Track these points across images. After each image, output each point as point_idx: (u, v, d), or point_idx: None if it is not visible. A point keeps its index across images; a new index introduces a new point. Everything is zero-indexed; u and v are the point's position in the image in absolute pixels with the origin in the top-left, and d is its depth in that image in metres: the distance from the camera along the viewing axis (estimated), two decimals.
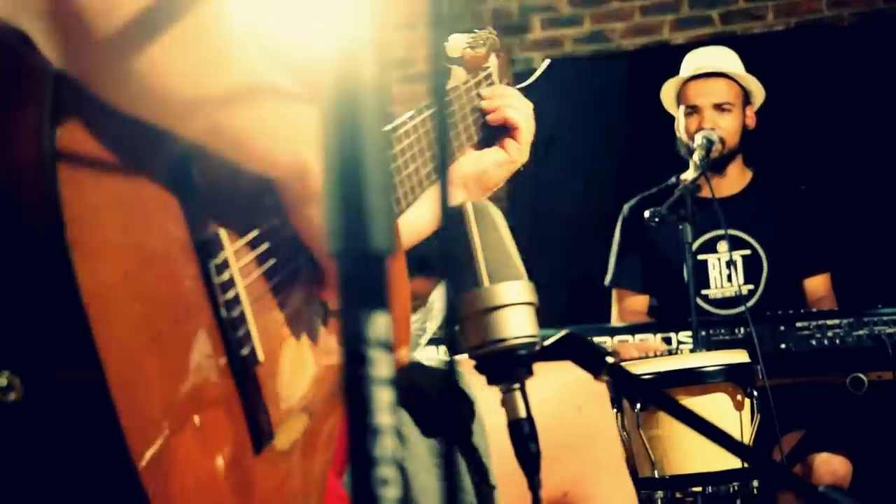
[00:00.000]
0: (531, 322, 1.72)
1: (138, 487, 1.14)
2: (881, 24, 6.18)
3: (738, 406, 3.22)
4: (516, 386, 1.69)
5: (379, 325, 0.99)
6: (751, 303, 4.45)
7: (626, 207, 4.82)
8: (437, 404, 1.78)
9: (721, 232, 4.47)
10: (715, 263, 4.62)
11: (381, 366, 0.99)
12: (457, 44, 2.15)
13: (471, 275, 1.72)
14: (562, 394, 1.82)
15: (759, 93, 4.69)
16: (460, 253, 1.74)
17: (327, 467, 1.58)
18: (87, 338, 1.11)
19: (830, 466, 4.07)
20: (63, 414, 1.14)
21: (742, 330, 4.04)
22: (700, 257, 4.55)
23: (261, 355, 1.37)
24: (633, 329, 4.23)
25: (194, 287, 1.30)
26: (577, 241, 5.98)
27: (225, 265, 1.34)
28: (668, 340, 4.09)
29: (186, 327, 1.27)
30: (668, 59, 5.13)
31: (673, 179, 4.72)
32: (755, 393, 3.24)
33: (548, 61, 2.39)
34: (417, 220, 2.03)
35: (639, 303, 4.71)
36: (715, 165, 4.47)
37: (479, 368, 1.72)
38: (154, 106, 1.25)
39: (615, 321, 4.69)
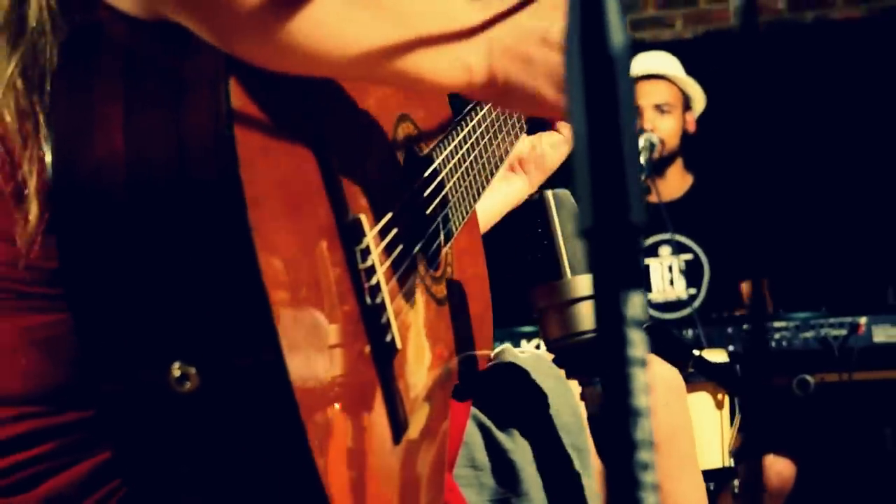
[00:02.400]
0: None
1: (314, 476, 1.09)
2: (788, 32, 6.28)
3: (719, 405, 3.22)
4: (598, 378, 1.65)
5: (636, 304, 0.94)
6: (694, 306, 4.47)
7: None
8: (518, 399, 1.74)
9: (665, 236, 4.50)
10: (657, 268, 4.64)
11: (639, 347, 0.95)
12: None
13: (551, 266, 1.67)
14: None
15: (699, 97, 4.74)
16: (539, 243, 1.70)
17: (445, 457, 1.54)
18: (269, 324, 1.06)
19: (775, 468, 4.10)
20: (241, 402, 1.09)
21: (690, 332, 4.04)
22: None
23: (399, 343, 1.33)
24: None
25: (341, 273, 1.25)
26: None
27: (367, 251, 1.30)
28: None
29: (340, 313, 1.22)
30: None
31: None
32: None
33: None
34: (490, 209, 1.99)
35: None
36: (655, 168, 4.50)
37: (559, 361, 1.68)
38: (334, 61, 1.20)
39: None
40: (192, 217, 1.07)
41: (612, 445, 0.95)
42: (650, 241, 4.61)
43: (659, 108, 4.63)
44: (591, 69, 0.93)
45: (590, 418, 1.65)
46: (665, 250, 4.61)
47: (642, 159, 4.34)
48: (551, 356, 1.70)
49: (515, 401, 1.74)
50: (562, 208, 1.71)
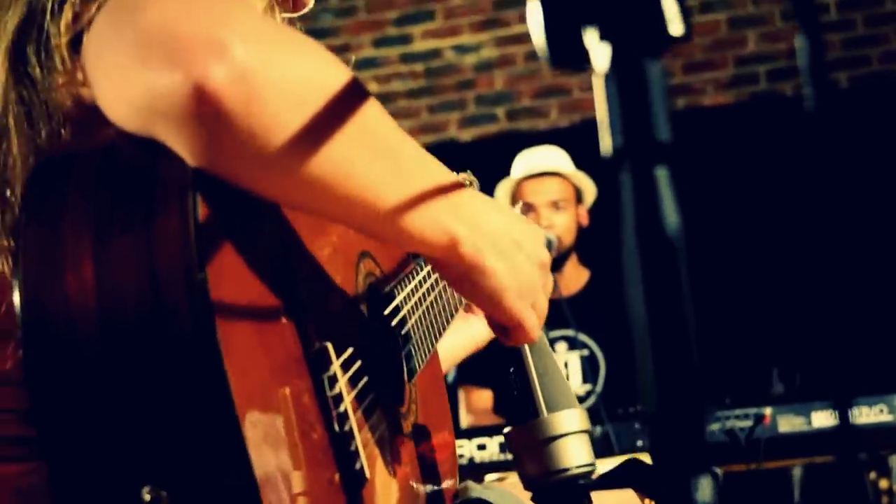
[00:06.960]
0: (589, 450, 1.70)
1: None
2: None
3: None
4: None
5: (705, 487, 0.95)
6: (589, 403, 4.48)
7: None
8: None
9: (565, 332, 4.52)
10: None
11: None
12: None
13: (527, 405, 1.67)
14: None
15: (590, 190, 4.79)
16: (514, 383, 1.69)
17: None
18: (240, 447, 1.08)
19: None
20: None
21: (598, 429, 4.04)
22: None
23: (368, 472, 1.33)
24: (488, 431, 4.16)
25: (309, 400, 1.27)
26: None
27: (335, 379, 1.31)
28: None
29: (310, 441, 1.23)
30: (457, 156, 5.17)
31: None
32: None
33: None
34: (451, 349, 1.98)
35: (484, 399, 4.70)
36: (554, 265, 4.52)
37: (538, 500, 1.67)
38: (329, 193, 1.20)
39: (463, 420, 4.66)
40: (164, 349, 1.09)
41: None
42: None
43: (554, 205, 4.66)
44: (648, 251, 0.93)
45: None
46: (561, 346, 4.62)
47: None
48: (526, 494, 1.69)
49: None
50: (534, 345, 1.71)
